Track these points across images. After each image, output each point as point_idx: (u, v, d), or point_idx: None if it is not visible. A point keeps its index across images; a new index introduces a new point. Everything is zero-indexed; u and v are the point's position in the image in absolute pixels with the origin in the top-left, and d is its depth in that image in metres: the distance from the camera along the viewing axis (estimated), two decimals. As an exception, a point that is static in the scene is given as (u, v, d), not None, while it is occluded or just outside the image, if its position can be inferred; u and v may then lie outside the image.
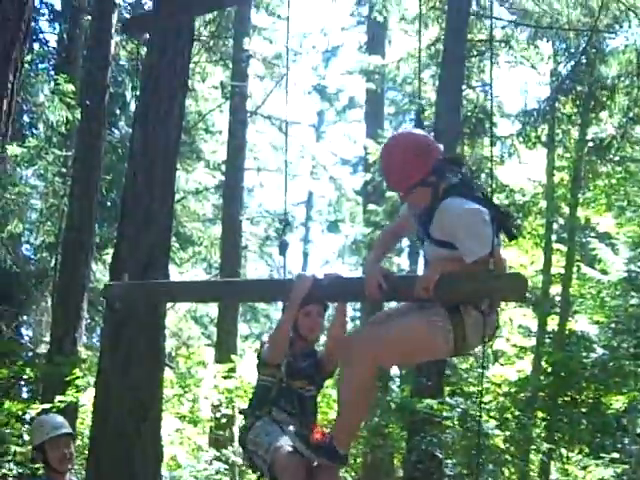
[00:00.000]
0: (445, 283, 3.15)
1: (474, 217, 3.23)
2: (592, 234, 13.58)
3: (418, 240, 3.60)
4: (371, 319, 3.91)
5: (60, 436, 4.75)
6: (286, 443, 3.88)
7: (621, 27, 10.88)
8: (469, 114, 11.99)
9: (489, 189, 11.06)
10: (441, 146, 3.47)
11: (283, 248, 4.03)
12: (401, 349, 3.42)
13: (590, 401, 8.32)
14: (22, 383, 10.64)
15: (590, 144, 11.63)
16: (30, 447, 5.10)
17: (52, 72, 14.21)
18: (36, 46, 15.59)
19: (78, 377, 8.19)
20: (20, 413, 7.83)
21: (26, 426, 7.68)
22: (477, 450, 6.97)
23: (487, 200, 3.36)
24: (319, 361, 4.19)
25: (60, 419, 4.98)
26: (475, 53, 12.34)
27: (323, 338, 4.46)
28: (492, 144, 11.29)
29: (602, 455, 7.43)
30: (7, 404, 7.79)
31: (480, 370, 9.10)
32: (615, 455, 7.37)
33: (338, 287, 3.61)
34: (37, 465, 4.90)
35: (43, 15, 16.22)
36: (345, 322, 4.09)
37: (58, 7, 16.50)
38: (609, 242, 12.20)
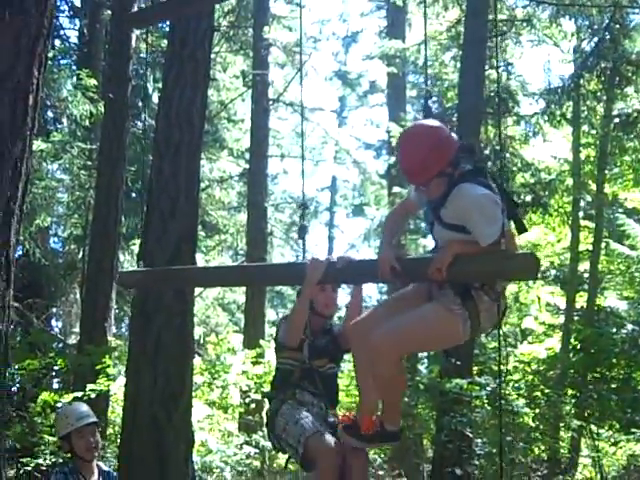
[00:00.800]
0: (458, 265, 3.19)
1: (487, 201, 3.26)
2: (620, 210, 13.48)
3: (427, 223, 3.61)
4: (380, 305, 3.97)
5: (85, 425, 4.83)
6: (316, 429, 3.94)
7: (645, 2, 10.76)
8: (492, 94, 11.92)
9: (507, 170, 11.12)
10: (456, 136, 3.49)
11: (302, 232, 4.07)
12: (421, 339, 3.49)
13: (620, 377, 8.26)
14: (54, 374, 10.78)
15: (616, 120, 11.50)
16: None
17: (74, 67, 14.29)
18: (57, 42, 15.72)
19: (108, 366, 8.29)
20: (52, 403, 7.94)
21: (58, 416, 7.78)
22: (499, 428, 6.98)
23: (498, 187, 3.38)
24: (337, 337, 4.23)
25: (84, 408, 5.04)
26: (496, 33, 12.24)
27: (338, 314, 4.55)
28: (499, 126, 11.18)
29: (633, 430, 7.40)
30: (43, 395, 7.91)
31: (504, 350, 9.07)
32: (646, 430, 7.33)
33: (351, 269, 3.64)
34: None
35: (63, 11, 16.38)
36: (361, 303, 4.14)
37: (78, 3, 16.63)
38: (637, 217, 12.10)
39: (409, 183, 3.74)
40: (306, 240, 4.03)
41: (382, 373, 3.42)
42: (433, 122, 3.57)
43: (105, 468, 5.11)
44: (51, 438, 7.60)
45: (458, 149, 3.43)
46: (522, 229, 3.41)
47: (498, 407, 7.46)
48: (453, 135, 3.48)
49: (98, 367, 8.22)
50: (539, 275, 3.32)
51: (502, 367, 8.60)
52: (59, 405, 7.71)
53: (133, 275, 4.51)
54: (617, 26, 10.65)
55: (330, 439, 3.94)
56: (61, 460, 6.07)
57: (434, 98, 15.22)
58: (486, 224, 3.20)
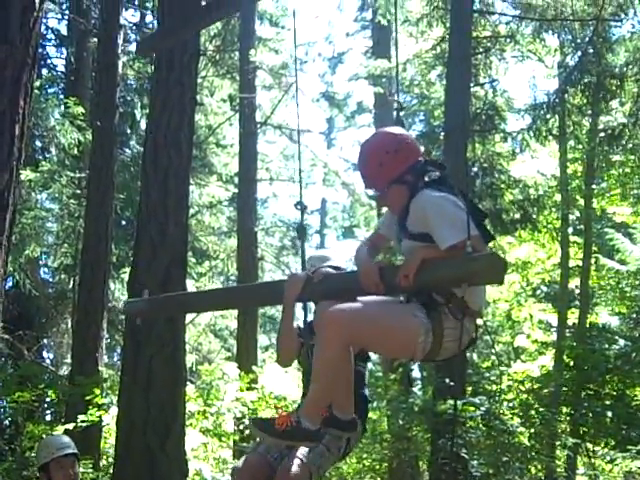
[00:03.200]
0: (423, 271, 3.07)
1: (445, 202, 3.18)
2: (609, 224, 13.52)
3: (397, 243, 3.48)
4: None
5: (65, 456, 4.76)
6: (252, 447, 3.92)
7: (626, 15, 10.84)
8: (478, 111, 11.98)
9: (495, 187, 11.13)
10: (421, 147, 3.47)
11: (302, 233, 4.02)
12: (377, 330, 3.20)
13: (614, 393, 8.25)
14: (45, 405, 10.68)
15: (602, 134, 11.56)
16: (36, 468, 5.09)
17: (62, 96, 14.32)
18: (44, 71, 15.76)
19: (98, 396, 8.22)
20: (44, 435, 7.86)
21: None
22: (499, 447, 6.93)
23: (463, 195, 3.28)
24: None
25: (66, 439, 4.98)
26: (481, 50, 12.33)
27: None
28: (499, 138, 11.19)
29: (629, 447, 7.36)
30: (30, 427, 7.83)
31: (497, 370, 9.04)
32: (642, 446, 7.30)
33: (330, 283, 3.50)
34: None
35: (50, 40, 16.41)
36: None
37: (64, 31, 16.66)
38: (626, 232, 12.13)
39: (367, 188, 3.60)
40: (304, 242, 4.01)
41: (327, 348, 3.15)
42: (394, 128, 3.51)
43: None
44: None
45: (426, 162, 3.38)
46: (488, 237, 3.29)
47: (493, 427, 7.45)
48: (416, 144, 3.44)
49: (88, 398, 8.15)
50: (504, 280, 3.17)
51: (495, 386, 8.60)
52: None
53: (138, 304, 4.48)
54: (600, 40, 10.73)
55: (245, 460, 3.92)
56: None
57: (419, 115, 15.31)
58: (445, 226, 3.11)
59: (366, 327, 3.17)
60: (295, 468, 3.69)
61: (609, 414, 7.98)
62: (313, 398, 3.23)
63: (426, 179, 3.30)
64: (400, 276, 3.12)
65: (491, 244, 3.43)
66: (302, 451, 3.72)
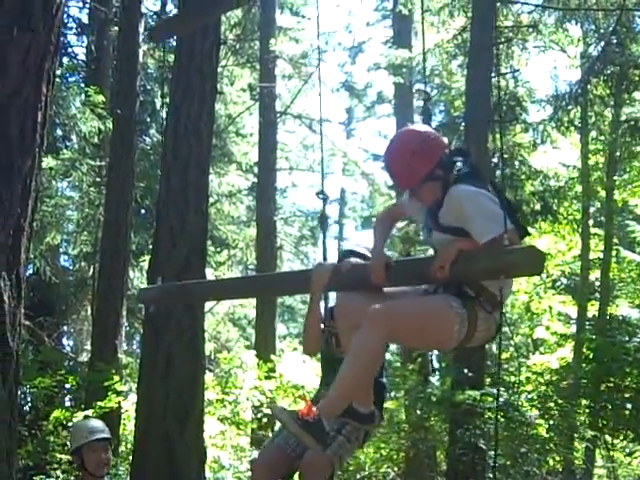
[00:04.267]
0: (459, 263, 3.08)
1: (482, 197, 3.22)
2: (630, 216, 13.41)
3: (425, 233, 3.53)
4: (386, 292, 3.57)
5: (97, 440, 4.80)
6: (270, 440, 3.97)
7: (651, 5, 10.72)
8: (499, 101, 11.90)
9: (515, 178, 11.07)
10: (445, 139, 3.46)
11: (324, 223, 4.03)
12: (416, 326, 3.25)
13: (634, 386, 8.18)
14: (65, 392, 10.77)
15: (624, 125, 11.46)
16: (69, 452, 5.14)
17: (82, 84, 14.35)
18: (65, 60, 15.81)
19: (117, 382, 8.28)
20: (64, 422, 7.94)
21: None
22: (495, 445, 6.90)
23: (496, 189, 3.33)
24: None
25: (98, 424, 5.00)
26: (503, 40, 12.23)
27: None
28: (501, 134, 11.14)
29: (647, 439, 7.33)
30: (55, 412, 7.91)
31: (515, 361, 9.00)
32: (661, 438, 7.27)
33: (356, 274, 3.53)
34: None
35: (71, 29, 16.47)
36: None
37: (85, 20, 16.72)
38: (647, 223, 12.04)
39: (399, 189, 3.64)
40: (327, 231, 4.01)
41: (366, 350, 3.17)
42: (418, 126, 3.57)
43: None
44: (63, 456, 7.59)
45: (452, 152, 3.41)
46: (523, 231, 3.31)
47: (511, 418, 7.42)
48: (441, 138, 3.44)
49: (107, 384, 8.21)
50: (544, 271, 3.19)
51: (514, 378, 8.56)
52: (71, 423, 7.71)
53: (152, 291, 4.51)
54: (624, 30, 10.62)
55: (263, 452, 3.95)
56: (72, 478, 6.05)
57: (440, 105, 15.22)
58: (483, 220, 3.13)
59: (407, 322, 3.22)
60: (318, 459, 3.70)
61: (628, 407, 7.93)
62: (341, 393, 3.23)
63: (457, 172, 3.34)
64: (436, 266, 3.14)
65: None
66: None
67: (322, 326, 4.00)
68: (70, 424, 7.92)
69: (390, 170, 3.51)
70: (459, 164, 3.36)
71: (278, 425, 4.02)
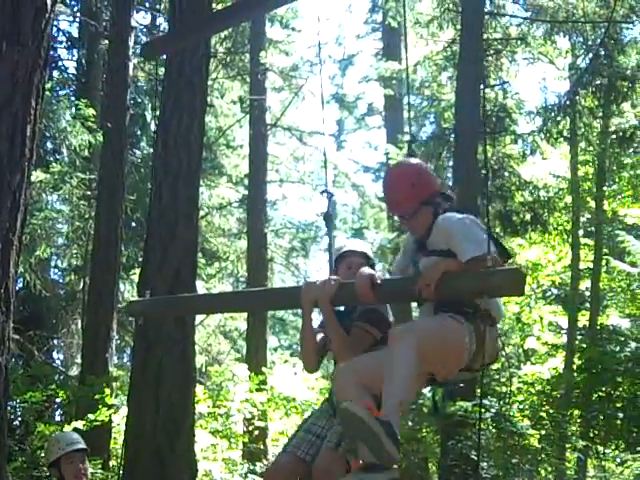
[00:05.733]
0: (445, 282, 3.17)
1: (468, 221, 3.45)
2: (619, 226, 13.46)
3: (412, 266, 3.65)
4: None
5: (75, 451, 4.80)
6: (284, 447, 3.94)
7: (638, 17, 10.78)
8: (489, 113, 11.95)
9: (505, 189, 11.10)
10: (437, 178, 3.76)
11: (329, 220, 4.05)
12: (438, 337, 3.33)
13: (625, 396, 8.20)
14: (56, 406, 10.71)
15: (613, 136, 11.52)
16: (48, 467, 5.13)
17: (73, 98, 14.36)
18: (56, 73, 15.82)
19: (108, 395, 8.24)
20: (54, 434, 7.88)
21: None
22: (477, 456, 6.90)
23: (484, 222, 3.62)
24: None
25: (75, 435, 5.03)
26: (492, 52, 12.30)
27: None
28: (485, 146, 11.18)
29: (639, 449, 7.33)
30: (41, 427, 7.86)
31: (507, 371, 9.01)
32: (653, 448, 7.28)
33: (344, 292, 3.61)
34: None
35: (61, 42, 16.51)
36: None
37: (75, 34, 16.74)
38: (637, 234, 12.08)
39: (398, 213, 3.79)
40: (332, 228, 4.06)
41: (403, 355, 3.16)
42: (414, 160, 3.86)
43: None
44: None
45: (440, 194, 3.67)
46: (506, 254, 3.50)
47: (503, 429, 7.43)
48: (433, 174, 3.76)
49: (97, 397, 8.17)
50: (525, 292, 3.28)
51: (505, 388, 8.56)
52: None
53: (141, 304, 4.50)
54: (611, 42, 10.69)
55: (274, 462, 3.93)
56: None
57: (429, 117, 15.28)
58: (467, 241, 3.32)
59: (429, 332, 3.31)
60: (328, 459, 3.69)
61: (620, 416, 7.94)
62: (394, 404, 3.20)
63: (448, 204, 3.64)
64: (421, 285, 3.24)
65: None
66: (334, 438, 3.74)
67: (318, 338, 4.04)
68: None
69: (390, 192, 3.72)
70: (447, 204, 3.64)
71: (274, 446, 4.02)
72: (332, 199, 4.10)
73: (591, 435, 8.19)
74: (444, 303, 3.43)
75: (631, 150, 11.75)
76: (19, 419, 9.69)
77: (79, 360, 11.51)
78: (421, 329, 3.34)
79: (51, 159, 13.91)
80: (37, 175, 11.80)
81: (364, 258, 4.09)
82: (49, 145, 14.14)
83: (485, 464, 7.31)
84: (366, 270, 3.53)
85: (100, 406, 8.18)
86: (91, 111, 12.30)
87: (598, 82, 10.76)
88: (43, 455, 7.73)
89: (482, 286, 3.14)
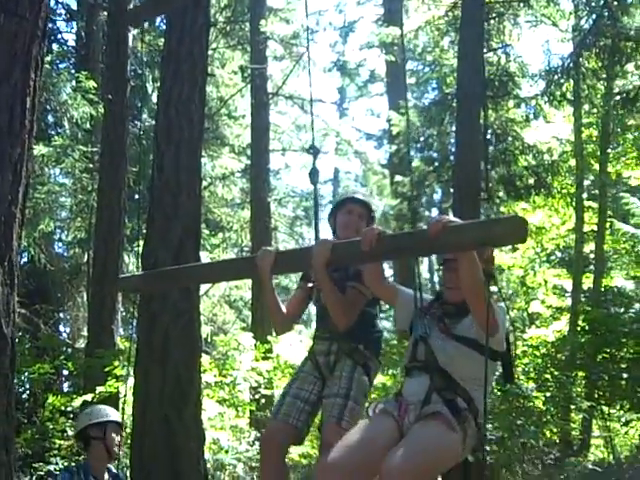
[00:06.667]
0: (446, 235, 3.13)
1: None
2: (623, 188, 13.43)
3: (421, 340, 3.58)
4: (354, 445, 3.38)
5: (117, 423, 4.97)
6: (273, 412, 4.05)
7: (642, -23, 10.68)
8: (491, 77, 11.88)
9: (509, 153, 11.06)
10: None
11: (314, 176, 4.06)
12: (434, 466, 3.26)
13: (630, 357, 8.24)
14: (63, 378, 10.79)
15: (617, 97, 11.44)
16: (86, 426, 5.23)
17: (73, 70, 14.29)
18: (55, 46, 15.76)
19: (116, 367, 8.30)
20: (63, 408, 7.97)
21: (69, 421, 7.81)
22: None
23: None
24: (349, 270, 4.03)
25: (112, 410, 5.17)
26: (494, 15, 12.19)
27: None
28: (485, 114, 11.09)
29: (644, 409, 7.39)
30: (51, 399, 7.93)
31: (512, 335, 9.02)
32: (657, 407, 7.33)
33: (301, 255, 3.68)
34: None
35: (60, 15, 16.40)
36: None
37: (74, 6, 16.64)
38: (642, 195, 12.05)
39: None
40: (318, 185, 4.07)
41: None
42: None
43: (114, 470, 5.16)
44: (62, 442, 7.63)
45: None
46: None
47: (508, 392, 7.46)
48: None
49: (107, 369, 8.23)
50: (527, 238, 3.26)
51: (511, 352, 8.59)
52: (69, 409, 7.75)
53: (131, 279, 4.52)
54: (615, 2, 10.58)
55: (267, 429, 3.96)
56: (73, 464, 6.10)
57: (432, 83, 15.18)
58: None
59: (426, 467, 3.17)
60: (332, 433, 3.71)
61: (624, 377, 7.99)
62: None
63: None
64: (363, 242, 3.29)
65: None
66: (335, 412, 3.79)
67: (309, 285, 4.14)
68: (69, 410, 7.98)
69: None
70: None
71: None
72: (318, 155, 4.12)
73: (596, 396, 8.24)
74: (442, 386, 3.38)
75: (635, 111, 11.65)
76: (28, 391, 9.79)
77: (85, 333, 11.56)
78: (420, 466, 3.12)
79: (53, 132, 13.89)
80: (39, 149, 11.79)
81: (365, 208, 4.12)
82: (50, 118, 14.11)
83: (490, 426, 7.36)
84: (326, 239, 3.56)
85: (109, 378, 8.24)
86: (92, 83, 12.25)
87: (602, 43, 10.65)
88: (52, 427, 7.84)
89: (485, 235, 3.11)
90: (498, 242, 3.26)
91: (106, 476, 4.97)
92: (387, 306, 4.30)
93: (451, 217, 3.23)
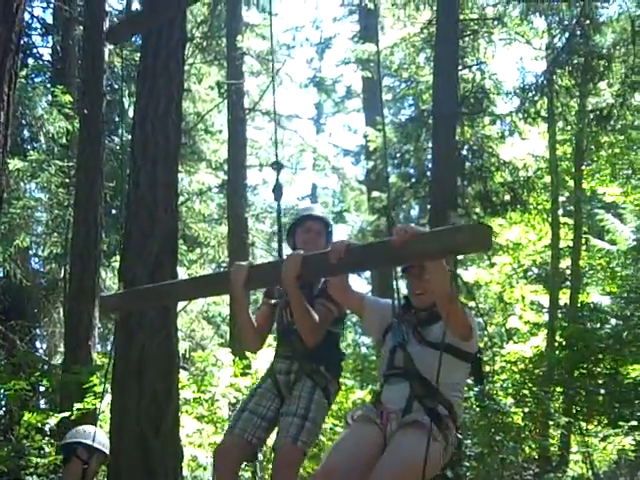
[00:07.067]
0: (410, 244, 3.08)
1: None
2: (599, 205, 13.55)
3: (400, 348, 3.59)
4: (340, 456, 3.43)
5: (105, 455, 4.94)
6: (230, 427, 3.97)
7: (613, -5, 10.84)
8: (467, 94, 11.98)
9: (485, 169, 11.12)
10: None
11: (278, 192, 4.06)
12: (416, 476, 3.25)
13: (607, 372, 8.29)
14: (40, 395, 10.66)
15: (590, 115, 11.57)
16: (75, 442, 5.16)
17: (49, 85, 14.22)
18: (31, 60, 15.68)
19: (95, 384, 8.22)
20: (39, 425, 7.87)
21: (46, 438, 7.72)
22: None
23: None
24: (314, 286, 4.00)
25: (107, 441, 5.27)
26: (469, 32, 12.31)
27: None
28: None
29: (621, 424, 7.41)
30: (27, 416, 7.83)
31: (490, 351, 9.08)
32: (634, 423, 7.35)
33: (267, 272, 3.67)
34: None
35: (35, 29, 16.32)
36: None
37: (50, 20, 16.56)
38: (616, 212, 12.17)
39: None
40: (281, 201, 4.08)
41: None
42: None
43: None
44: (39, 460, 7.53)
45: None
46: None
47: (487, 408, 7.48)
48: None
49: (85, 386, 8.14)
50: (491, 246, 3.23)
51: (489, 367, 8.62)
52: (46, 428, 7.66)
53: (111, 298, 4.48)
54: (587, 21, 10.71)
55: (223, 441, 3.91)
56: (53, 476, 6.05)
57: (408, 99, 15.26)
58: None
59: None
60: (291, 451, 3.70)
61: (602, 392, 8.03)
62: None
63: None
64: (331, 255, 3.24)
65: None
66: (292, 431, 3.72)
67: (271, 301, 4.11)
68: (46, 428, 7.89)
69: None
70: None
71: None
72: (281, 171, 4.13)
73: (574, 411, 8.28)
74: (423, 394, 3.39)
75: (609, 129, 11.79)
76: (3, 408, 9.67)
77: (62, 349, 11.45)
78: (404, 475, 3.17)
79: (28, 147, 13.80)
80: (15, 163, 11.70)
81: (323, 224, 4.11)
82: (26, 133, 14.02)
83: (469, 442, 7.37)
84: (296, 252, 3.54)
85: (87, 395, 8.15)
86: (68, 98, 12.19)
87: (575, 61, 10.81)
88: (29, 445, 7.73)
89: (449, 244, 3.01)
90: (463, 249, 3.18)
91: None
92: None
93: (412, 225, 3.21)
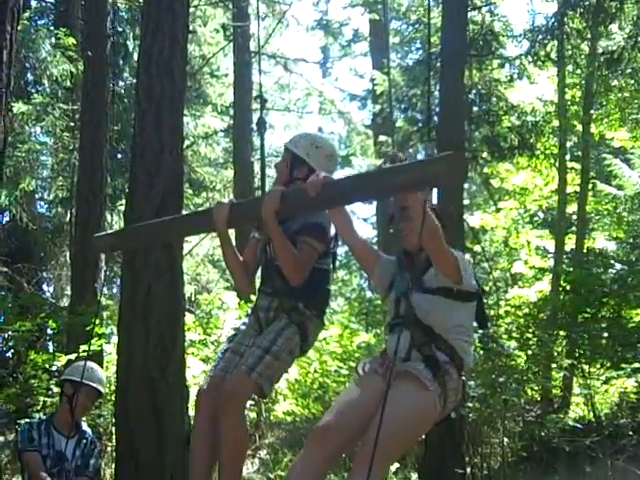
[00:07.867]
0: (378, 178, 3.07)
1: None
2: (606, 150, 13.45)
3: (403, 296, 3.56)
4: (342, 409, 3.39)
5: (96, 390, 4.96)
6: (213, 367, 3.97)
7: None
8: (476, 36, 11.80)
9: (492, 113, 10.99)
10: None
11: (261, 126, 4.03)
12: (414, 431, 3.36)
13: (610, 316, 8.32)
14: (47, 337, 10.77)
15: (601, 58, 11.39)
16: (63, 379, 5.25)
17: (52, 27, 14.07)
18: (34, 2, 15.53)
19: (96, 325, 8.28)
20: (47, 366, 7.96)
21: (54, 379, 7.81)
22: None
23: None
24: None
25: (104, 378, 5.37)
26: (479, -28, 12.08)
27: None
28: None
29: (623, 366, 7.46)
30: (33, 356, 7.92)
31: (495, 295, 9.09)
32: (637, 365, 7.40)
33: (247, 209, 3.68)
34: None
35: (39, -30, 16.08)
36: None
37: (53, -40, 16.31)
38: (624, 157, 12.08)
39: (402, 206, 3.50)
40: (264, 135, 4.05)
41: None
42: None
43: (85, 427, 5.18)
44: (47, 399, 7.63)
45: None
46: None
47: (491, 350, 7.54)
48: None
49: (88, 328, 8.21)
50: (465, 180, 3.17)
51: (493, 312, 8.66)
52: (53, 368, 7.75)
53: (103, 238, 4.47)
54: (600, -39, 10.49)
55: (207, 380, 3.88)
56: (44, 416, 6.11)
57: (416, 43, 15.06)
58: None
59: (401, 440, 3.24)
60: (238, 382, 3.65)
61: (605, 336, 8.07)
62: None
63: None
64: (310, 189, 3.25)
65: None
66: (249, 362, 3.68)
67: (254, 237, 4.07)
68: (53, 368, 7.98)
69: None
70: None
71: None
72: (265, 104, 4.09)
73: (576, 355, 8.32)
74: (422, 342, 3.38)
75: (619, 72, 11.62)
76: (11, 350, 9.78)
77: (69, 292, 11.53)
78: (393, 444, 3.13)
79: (32, 90, 13.70)
80: (19, 107, 11.64)
81: (288, 152, 4.01)
82: (29, 76, 13.92)
83: (472, 383, 7.43)
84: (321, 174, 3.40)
85: (93, 337, 8.23)
86: (71, 40, 12.07)
87: (586, 3, 10.59)
88: (37, 385, 7.84)
89: (421, 176, 2.93)
90: (434, 182, 3.04)
91: (74, 431, 4.99)
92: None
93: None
